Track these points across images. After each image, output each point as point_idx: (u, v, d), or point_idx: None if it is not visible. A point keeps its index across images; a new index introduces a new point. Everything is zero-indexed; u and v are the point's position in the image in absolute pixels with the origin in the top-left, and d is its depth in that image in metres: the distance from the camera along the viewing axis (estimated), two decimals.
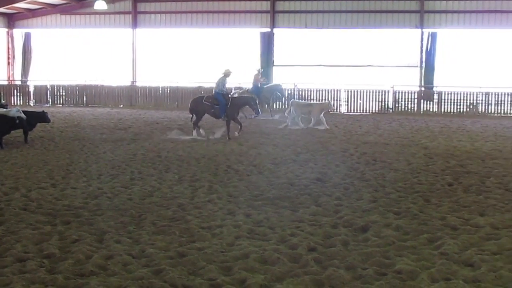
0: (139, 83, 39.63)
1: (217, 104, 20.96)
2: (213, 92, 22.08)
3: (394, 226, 8.96)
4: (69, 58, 41.76)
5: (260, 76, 30.92)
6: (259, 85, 30.51)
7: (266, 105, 30.43)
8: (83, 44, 41.39)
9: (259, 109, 21.52)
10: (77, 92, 38.69)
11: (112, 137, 20.31)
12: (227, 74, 21.44)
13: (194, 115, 21.25)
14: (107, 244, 7.99)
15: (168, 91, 37.78)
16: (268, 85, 31.44)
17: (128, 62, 40.19)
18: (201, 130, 20.91)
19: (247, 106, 22.19)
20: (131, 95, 38.03)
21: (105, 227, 8.80)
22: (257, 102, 21.91)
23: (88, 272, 6.87)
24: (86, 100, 38.35)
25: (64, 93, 38.81)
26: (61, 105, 37.81)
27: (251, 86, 30.83)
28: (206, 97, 21.53)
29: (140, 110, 33.87)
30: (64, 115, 29.77)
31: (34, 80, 39.41)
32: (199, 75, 38.70)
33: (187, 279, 6.67)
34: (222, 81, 21.35)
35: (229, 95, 21.89)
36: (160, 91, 37.95)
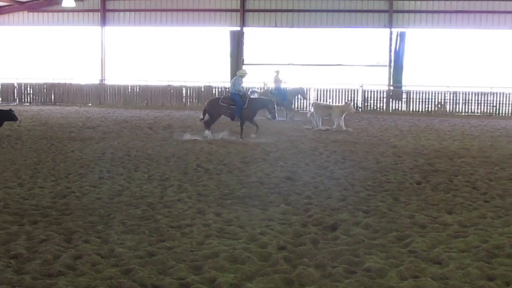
0: (108, 82, 39.40)
1: (233, 105, 20.48)
2: (230, 93, 21.46)
3: (363, 225, 9.00)
4: (37, 56, 41.38)
5: (279, 77, 29.94)
6: (282, 88, 29.72)
7: (287, 109, 29.27)
8: (51, 42, 41.04)
9: (276, 114, 20.88)
10: (45, 90, 38.36)
11: (80, 136, 20.16)
12: (242, 74, 21.13)
13: (208, 116, 20.70)
14: (75, 244, 7.92)
15: (138, 90, 37.63)
16: (291, 88, 30.58)
17: (97, 61, 39.94)
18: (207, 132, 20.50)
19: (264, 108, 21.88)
20: (100, 94, 37.81)
21: (74, 226, 8.72)
22: (275, 105, 21.28)
23: (56, 272, 6.80)
24: (54, 99, 38.04)
25: (31, 92, 38.50)
26: (28, 104, 37.48)
27: (272, 87, 30.14)
28: (222, 98, 21.17)
29: (109, 109, 33.66)
30: (31, 113, 29.48)
31: (1, 78, 38.95)
32: (168, 74, 38.60)
33: (157, 279, 6.63)
34: (238, 82, 20.83)
35: (246, 96, 21.30)
36: (129, 90, 37.79)
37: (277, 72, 30.09)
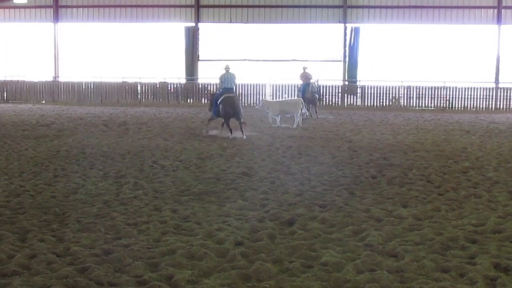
0: (61, 79, 38.97)
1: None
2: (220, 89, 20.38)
3: (320, 219, 9.05)
4: None
5: (306, 73, 28.54)
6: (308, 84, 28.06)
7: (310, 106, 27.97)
8: (2, 39, 40.43)
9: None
10: None
11: (34, 134, 19.90)
12: (228, 68, 20.17)
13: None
14: (30, 243, 7.82)
15: (92, 87, 37.29)
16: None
17: (50, 57, 39.47)
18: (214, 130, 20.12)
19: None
20: (53, 91, 37.39)
21: (28, 225, 8.60)
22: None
23: (11, 272, 6.70)
24: (6, 96, 37.52)
25: None
26: None
27: (301, 84, 28.69)
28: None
29: (63, 106, 33.30)
30: None
31: None
32: (123, 71, 38.33)
33: (113, 277, 6.59)
34: (231, 77, 20.04)
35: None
36: (84, 87, 37.44)
37: (304, 68, 28.80)
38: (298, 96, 27.40)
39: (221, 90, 20.27)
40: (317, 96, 28.03)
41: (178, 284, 6.37)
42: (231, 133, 19.22)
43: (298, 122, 23.10)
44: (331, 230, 8.55)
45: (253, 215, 9.31)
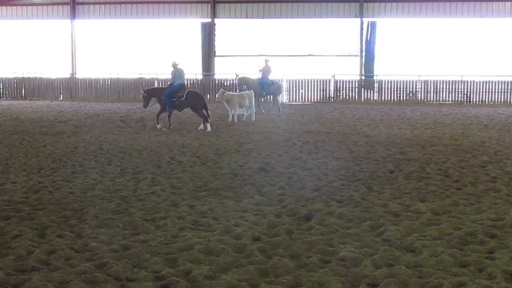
0: (79, 75, 39.15)
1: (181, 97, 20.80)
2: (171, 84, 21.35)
3: (337, 214, 9.03)
4: (6, 51, 40.97)
5: (268, 67, 28.50)
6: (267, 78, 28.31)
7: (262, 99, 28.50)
8: (20, 36, 40.65)
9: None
10: (15, 85, 38.05)
11: (52, 130, 20.00)
12: (175, 65, 21.18)
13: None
14: (48, 238, 7.85)
15: (109, 83, 37.43)
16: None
17: (67, 54, 39.65)
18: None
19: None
20: (71, 88, 37.59)
21: (47, 221, 8.65)
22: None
23: (30, 268, 6.74)
24: (24, 93, 37.76)
25: (1, 86, 38.12)
26: None
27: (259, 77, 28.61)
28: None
29: (81, 103, 33.44)
30: (2, 108, 29.20)
31: None
32: (140, 67, 38.44)
33: (132, 272, 6.61)
34: (180, 73, 21.23)
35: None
36: (101, 83, 37.58)
37: (267, 61, 28.87)
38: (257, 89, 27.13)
39: (175, 86, 21.12)
40: (258, 90, 27.70)
41: (196, 280, 6.37)
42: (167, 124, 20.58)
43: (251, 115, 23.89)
44: (349, 225, 8.53)
45: (271, 210, 9.30)
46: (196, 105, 20.73)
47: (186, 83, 21.84)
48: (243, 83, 27.75)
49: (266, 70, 28.43)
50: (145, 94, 22.12)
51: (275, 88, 27.91)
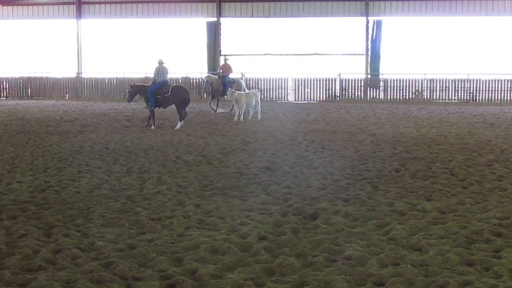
0: (85, 75, 39.20)
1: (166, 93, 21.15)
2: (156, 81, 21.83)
3: (343, 213, 9.03)
4: (12, 51, 41.06)
5: (228, 65, 28.72)
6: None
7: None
8: (26, 36, 40.73)
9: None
10: (21, 84, 38.13)
11: (58, 130, 20.03)
12: (161, 62, 21.83)
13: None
14: (55, 238, 7.87)
15: (115, 82, 37.45)
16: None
17: (73, 54, 39.71)
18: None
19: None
20: (76, 87, 37.64)
21: (53, 221, 8.66)
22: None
23: (36, 267, 6.76)
24: (30, 93, 37.83)
25: (7, 86, 38.20)
26: (4, 98, 37.19)
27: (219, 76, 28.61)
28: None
29: (86, 102, 33.51)
30: (8, 108, 29.26)
31: None
32: (145, 66, 38.43)
33: (138, 271, 6.62)
34: (164, 70, 21.84)
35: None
36: (107, 82, 37.62)
37: (226, 59, 29.24)
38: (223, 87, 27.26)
39: (158, 82, 21.61)
40: (221, 89, 27.75)
41: (202, 279, 6.38)
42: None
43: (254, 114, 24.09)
44: (355, 224, 8.53)
45: (276, 209, 9.30)
46: (180, 100, 21.07)
47: (168, 81, 22.20)
48: (209, 83, 27.76)
49: (226, 69, 28.62)
50: (131, 89, 22.34)
51: (236, 86, 27.88)
